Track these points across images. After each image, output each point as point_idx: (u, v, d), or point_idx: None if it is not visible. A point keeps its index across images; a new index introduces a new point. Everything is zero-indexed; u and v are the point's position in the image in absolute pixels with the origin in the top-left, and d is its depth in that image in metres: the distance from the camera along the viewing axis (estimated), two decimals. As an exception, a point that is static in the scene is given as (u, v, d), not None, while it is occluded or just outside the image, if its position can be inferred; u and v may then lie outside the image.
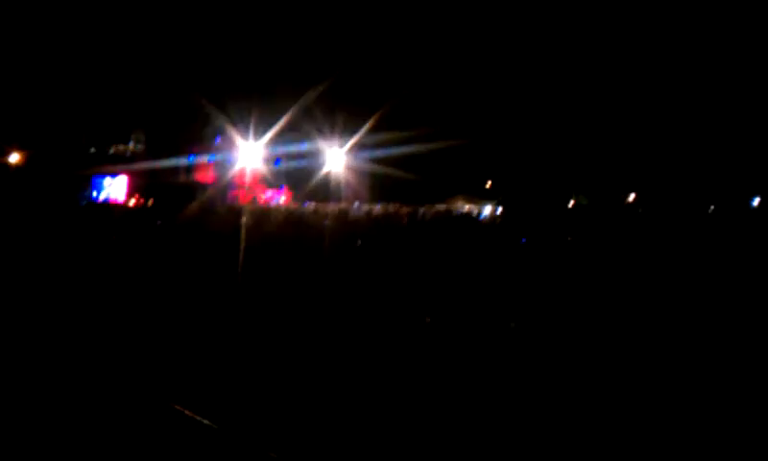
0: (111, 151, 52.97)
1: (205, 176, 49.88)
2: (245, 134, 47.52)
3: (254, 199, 46.50)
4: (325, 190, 50.50)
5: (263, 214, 31.23)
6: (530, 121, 52.98)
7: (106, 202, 46.59)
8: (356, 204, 41.00)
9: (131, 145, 53.27)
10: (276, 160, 51.52)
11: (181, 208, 33.79)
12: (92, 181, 48.81)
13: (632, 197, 55.64)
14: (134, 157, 51.93)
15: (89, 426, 8.39)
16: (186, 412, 8.82)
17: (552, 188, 53.57)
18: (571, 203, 54.78)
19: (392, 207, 38.86)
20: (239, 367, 10.78)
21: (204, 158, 49.55)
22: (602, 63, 51.34)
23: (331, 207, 36.48)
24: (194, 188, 46.22)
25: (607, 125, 51.99)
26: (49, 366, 10.53)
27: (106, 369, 10.48)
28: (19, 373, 10.17)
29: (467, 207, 48.48)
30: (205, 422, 8.56)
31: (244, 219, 26.12)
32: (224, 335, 12.61)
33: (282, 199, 51.06)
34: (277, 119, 46.10)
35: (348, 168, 51.20)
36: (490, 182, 57.54)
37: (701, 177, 49.67)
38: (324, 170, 50.75)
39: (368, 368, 10.87)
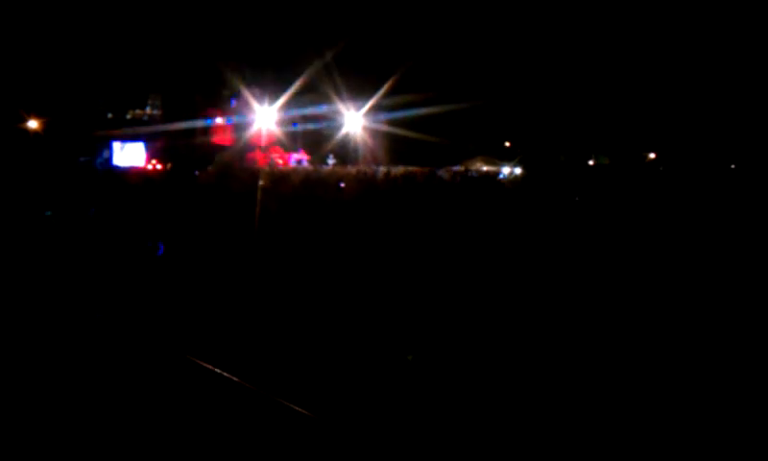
0: (129, 116, 52.98)
1: (223, 139, 49.74)
2: (261, 97, 47.35)
3: (272, 161, 46.34)
4: (343, 152, 50.32)
5: (280, 176, 31.10)
6: (549, 80, 52.29)
7: (124, 167, 46.61)
8: (374, 165, 40.67)
9: (147, 109, 53.24)
10: (294, 123, 51.28)
11: (199, 172, 33.74)
12: (110, 146, 48.84)
13: (652, 155, 55.07)
14: (152, 122, 51.91)
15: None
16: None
17: (572, 148, 53.04)
18: (591, 162, 54.24)
19: (410, 169, 38.51)
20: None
21: (221, 121, 49.36)
22: (625, 22, 50.39)
23: (349, 169, 36.24)
24: (212, 151, 46.12)
25: (627, 84, 51.22)
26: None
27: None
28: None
29: (485, 168, 48.00)
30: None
31: (261, 181, 26.02)
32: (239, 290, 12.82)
33: (299, 161, 50.85)
34: (294, 81, 45.90)
35: (366, 130, 50.88)
36: (508, 143, 56.96)
37: (722, 135, 48.99)
38: (342, 132, 50.51)
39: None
